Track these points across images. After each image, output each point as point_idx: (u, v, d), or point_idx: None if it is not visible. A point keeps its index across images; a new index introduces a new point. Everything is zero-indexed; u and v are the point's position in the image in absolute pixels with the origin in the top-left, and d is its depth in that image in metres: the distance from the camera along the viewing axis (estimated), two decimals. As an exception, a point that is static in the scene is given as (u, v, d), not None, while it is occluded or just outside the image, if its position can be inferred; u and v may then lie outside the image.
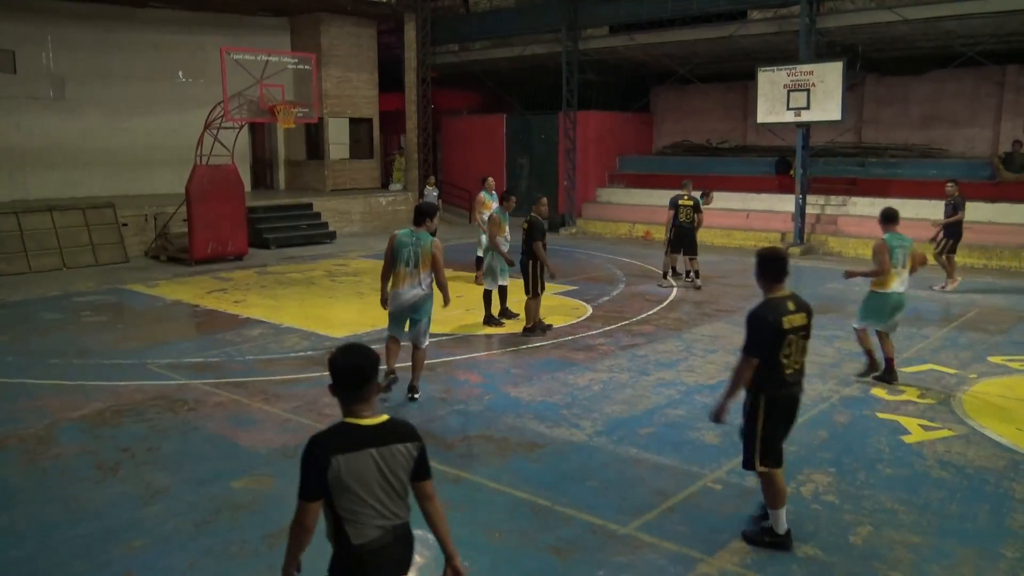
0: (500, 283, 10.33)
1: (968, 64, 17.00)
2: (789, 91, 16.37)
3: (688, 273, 13.32)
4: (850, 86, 16.75)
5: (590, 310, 11.17)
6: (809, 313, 4.67)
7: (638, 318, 10.71)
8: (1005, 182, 16.83)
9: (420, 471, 3.03)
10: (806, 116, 16.33)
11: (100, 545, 4.69)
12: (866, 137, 20.53)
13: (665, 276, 13.36)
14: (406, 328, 7.26)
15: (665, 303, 11.67)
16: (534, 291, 9.60)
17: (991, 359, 8.60)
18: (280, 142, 23.26)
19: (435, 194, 18.27)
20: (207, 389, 7.72)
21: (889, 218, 7.78)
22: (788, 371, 4.54)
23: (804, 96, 16.17)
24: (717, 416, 4.73)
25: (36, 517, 4.81)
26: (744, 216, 18.91)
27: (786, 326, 4.49)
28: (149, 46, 19.97)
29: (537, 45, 21.71)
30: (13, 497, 5.39)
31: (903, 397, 7.38)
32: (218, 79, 14.95)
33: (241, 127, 16.42)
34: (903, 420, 6.79)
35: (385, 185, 23.79)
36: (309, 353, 8.86)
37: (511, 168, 23.72)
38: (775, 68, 16.66)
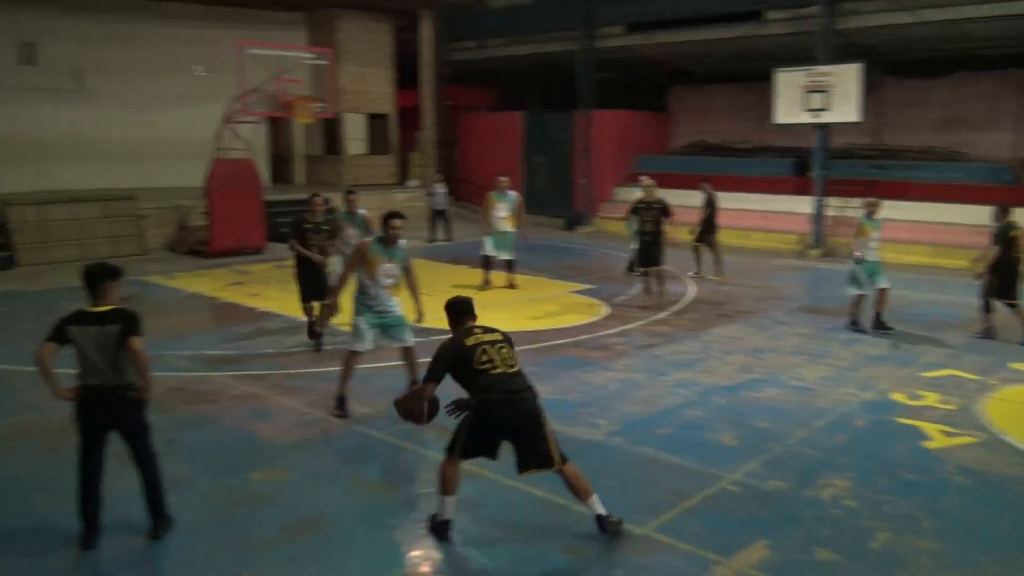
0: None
1: (990, 67, 16.83)
2: (807, 92, 16.27)
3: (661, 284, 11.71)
4: (869, 88, 16.61)
5: (607, 309, 11.15)
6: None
7: (655, 318, 10.68)
8: (1027, 187, 16.66)
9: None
10: (824, 117, 16.24)
11: (120, 534, 4.73)
12: (886, 139, 20.36)
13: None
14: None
15: (682, 303, 11.62)
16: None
17: (1012, 365, 8.52)
18: (298, 137, 23.34)
19: (443, 191, 18.29)
20: (225, 381, 7.76)
21: None
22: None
23: (822, 97, 16.08)
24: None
25: (57, 504, 4.85)
26: (762, 217, 18.81)
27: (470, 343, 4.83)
28: (168, 39, 20.09)
29: (554, 43, 21.64)
30: (36, 484, 5.45)
31: (924, 403, 7.31)
32: (235, 73, 15.01)
33: (259, 121, 16.49)
34: (924, 426, 6.73)
35: (402, 181, 23.83)
36: (327, 348, 8.87)
37: (527, 166, 23.68)
38: (793, 69, 16.57)
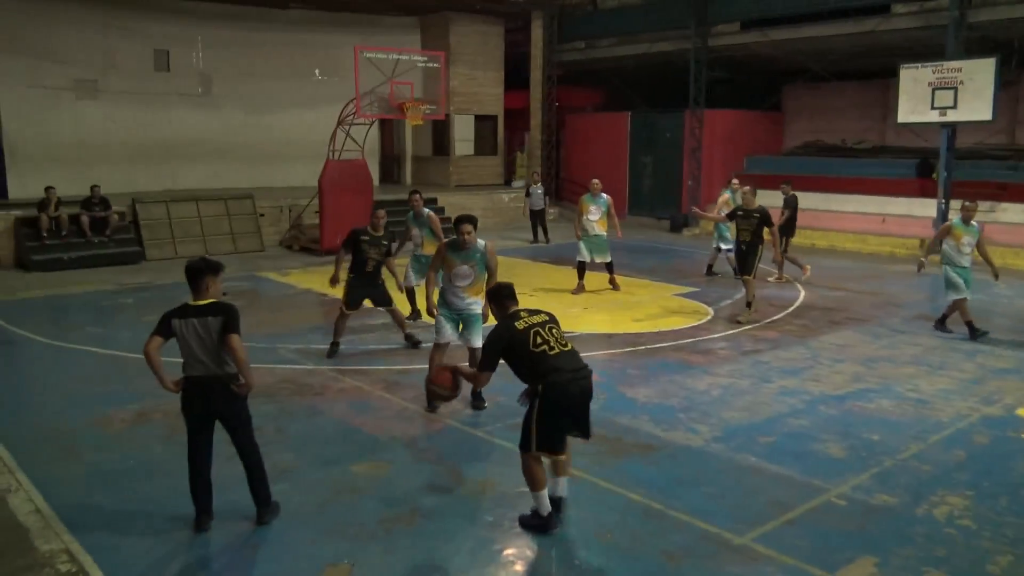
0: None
1: None
2: (934, 89, 15.43)
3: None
4: (1003, 84, 15.62)
5: (711, 313, 10.92)
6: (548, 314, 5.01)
7: (762, 323, 10.38)
8: None
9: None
10: (952, 116, 15.36)
11: (231, 518, 4.96)
12: (1019, 139, 19.11)
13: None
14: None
15: (791, 308, 11.25)
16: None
17: None
18: (408, 138, 23.89)
19: (540, 192, 18.19)
20: (332, 375, 8.03)
21: None
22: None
23: (951, 95, 15.21)
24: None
25: (174, 488, 5.13)
26: (880, 221, 17.98)
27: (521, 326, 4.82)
28: (289, 45, 20.96)
29: (665, 42, 21.35)
30: (155, 468, 5.78)
31: (1053, 419, 6.83)
32: (351, 77, 15.50)
33: (372, 123, 16.97)
34: (1052, 444, 6.29)
35: (508, 182, 24.03)
36: (429, 345, 9.01)
37: (634, 167, 23.45)
38: (919, 65, 15.75)
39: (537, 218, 18.41)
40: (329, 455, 6.04)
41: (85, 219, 14.94)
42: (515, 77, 23.64)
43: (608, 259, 12.20)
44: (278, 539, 4.77)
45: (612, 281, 12.32)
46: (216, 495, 4.91)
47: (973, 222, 9.51)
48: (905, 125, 16.93)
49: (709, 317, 10.68)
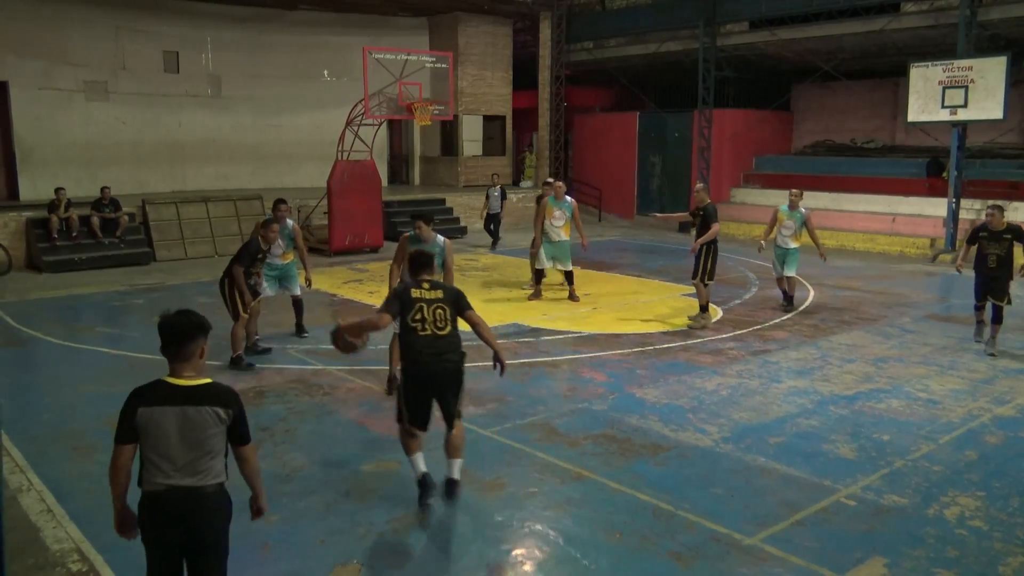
0: None
1: None
2: (944, 88, 15.36)
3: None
4: (1014, 82, 15.53)
5: (720, 313, 10.89)
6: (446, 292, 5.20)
7: (771, 323, 10.35)
8: None
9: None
10: (963, 115, 15.27)
11: (240, 517, 4.96)
12: (1030, 138, 19.01)
13: None
14: None
15: (800, 308, 11.22)
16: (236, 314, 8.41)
17: None
18: (416, 139, 23.93)
19: (497, 194, 17.28)
20: (341, 375, 8.05)
21: None
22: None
23: (961, 93, 15.13)
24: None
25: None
26: (890, 220, 17.91)
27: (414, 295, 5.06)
28: (298, 47, 21.03)
29: (674, 42, 21.33)
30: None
31: (1065, 420, 6.79)
32: (360, 78, 15.53)
33: (380, 124, 17.00)
34: (1064, 445, 6.25)
35: (516, 182, 24.02)
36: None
37: (642, 167, 23.43)
38: (930, 64, 15.67)
39: (492, 221, 17.41)
40: (338, 455, 6.06)
41: (96, 220, 15.02)
42: (523, 77, 23.64)
43: (569, 267, 11.49)
44: (287, 539, 4.79)
45: (572, 293, 11.54)
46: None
47: (801, 207, 10.87)
48: (915, 124, 16.85)
49: (718, 317, 10.66)
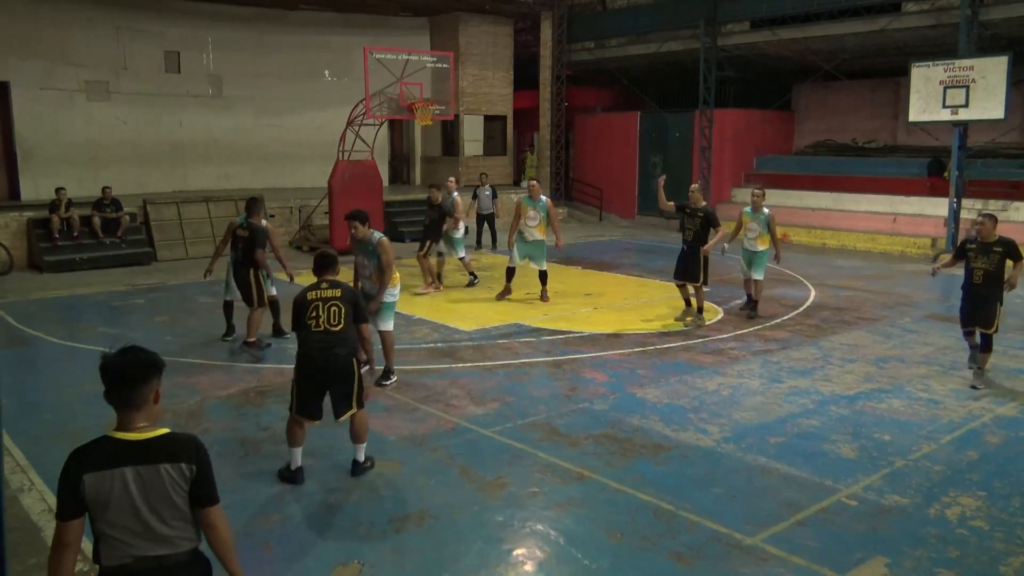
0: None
1: None
2: (945, 88, 15.36)
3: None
4: (1015, 82, 15.52)
5: (721, 313, 10.89)
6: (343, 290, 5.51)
7: (772, 323, 10.35)
8: None
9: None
10: (964, 114, 15.28)
11: (241, 518, 4.97)
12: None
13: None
14: None
15: (801, 308, 11.22)
16: (259, 302, 8.92)
17: None
18: (417, 139, 23.93)
19: (488, 193, 17.32)
20: (342, 375, 8.03)
21: None
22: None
23: (962, 93, 15.13)
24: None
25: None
26: (891, 220, 17.91)
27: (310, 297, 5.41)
28: (299, 47, 21.04)
29: (675, 42, 21.32)
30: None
31: (1067, 420, 6.78)
32: (361, 78, 15.53)
33: (381, 124, 16.99)
34: (1066, 445, 6.24)
35: (517, 182, 24.02)
36: (439, 345, 9.05)
37: (644, 167, 23.42)
38: (931, 63, 15.67)
39: (487, 221, 17.41)
40: (340, 455, 6.04)
41: (97, 220, 15.03)
42: (524, 77, 23.64)
43: (543, 267, 11.44)
44: (288, 538, 4.79)
45: (543, 294, 11.50)
46: (228, 495, 4.91)
47: (764, 209, 10.60)
48: (916, 124, 16.85)
49: (719, 317, 10.66)
